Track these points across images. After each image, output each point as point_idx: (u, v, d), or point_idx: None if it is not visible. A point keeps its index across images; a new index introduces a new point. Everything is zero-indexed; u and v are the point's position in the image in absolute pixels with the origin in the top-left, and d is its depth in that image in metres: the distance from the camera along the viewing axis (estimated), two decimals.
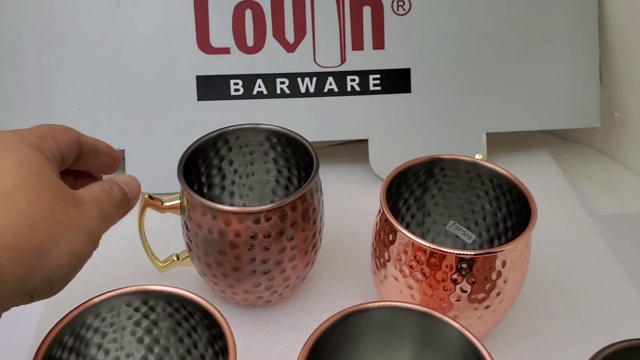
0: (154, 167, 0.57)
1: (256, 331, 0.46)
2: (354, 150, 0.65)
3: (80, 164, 0.35)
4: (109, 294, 0.35)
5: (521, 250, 0.39)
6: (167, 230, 0.51)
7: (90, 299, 0.35)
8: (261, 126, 0.49)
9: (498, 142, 0.64)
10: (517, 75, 0.61)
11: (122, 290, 0.35)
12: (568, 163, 0.66)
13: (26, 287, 0.27)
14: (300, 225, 0.43)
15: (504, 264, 0.39)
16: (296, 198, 0.42)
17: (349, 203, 0.59)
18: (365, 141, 0.60)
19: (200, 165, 0.48)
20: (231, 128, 0.48)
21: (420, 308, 0.35)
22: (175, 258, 0.48)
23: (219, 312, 0.34)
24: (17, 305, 0.28)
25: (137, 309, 0.37)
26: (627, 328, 0.46)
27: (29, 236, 0.27)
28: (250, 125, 0.49)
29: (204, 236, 0.42)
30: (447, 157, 0.46)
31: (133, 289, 0.36)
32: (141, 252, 0.47)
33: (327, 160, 0.62)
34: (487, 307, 0.40)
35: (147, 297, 0.36)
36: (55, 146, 0.32)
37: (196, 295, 0.35)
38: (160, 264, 0.47)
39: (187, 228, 0.44)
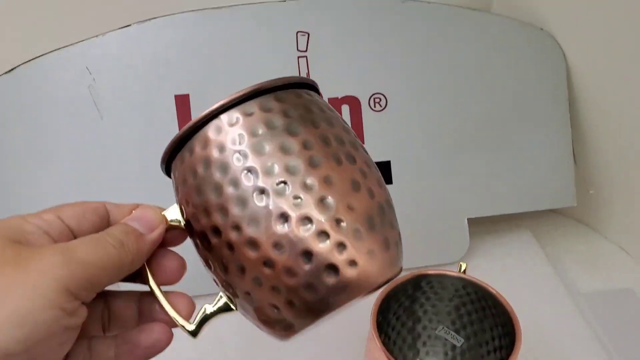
0: None
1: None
2: None
3: None
4: None
5: None
6: None
7: None
8: None
9: (480, 224, 0.66)
10: (494, 162, 0.63)
11: None
12: (549, 237, 0.68)
13: None
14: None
15: None
16: None
17: None
18: None
19: None
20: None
21: None
22: (209, 310, 0.34)
23: None
24: None
25: None
26: None
27: None
28: None
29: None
30: (432, 272, 0.48)
31: None
32: None
33: None
34: None
35: None
36: (54, 217, 0.28)
37: None
38: (193, 329, 0.33)
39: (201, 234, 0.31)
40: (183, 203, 0.32)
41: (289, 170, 0.29)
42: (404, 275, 0.47)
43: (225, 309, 0.33)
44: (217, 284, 0.33)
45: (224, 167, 0.30)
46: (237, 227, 0.29)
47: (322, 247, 0.29)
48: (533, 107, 0.63)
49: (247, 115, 0.31)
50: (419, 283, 0.48)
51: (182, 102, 0.59)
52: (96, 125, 0.58)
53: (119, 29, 0.58)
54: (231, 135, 0.30)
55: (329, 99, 0.60)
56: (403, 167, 0.62)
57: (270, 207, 0.29)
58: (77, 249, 0.27)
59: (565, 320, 0.57)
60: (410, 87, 0.61)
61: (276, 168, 0.29)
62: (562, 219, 0.71)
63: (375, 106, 0.61)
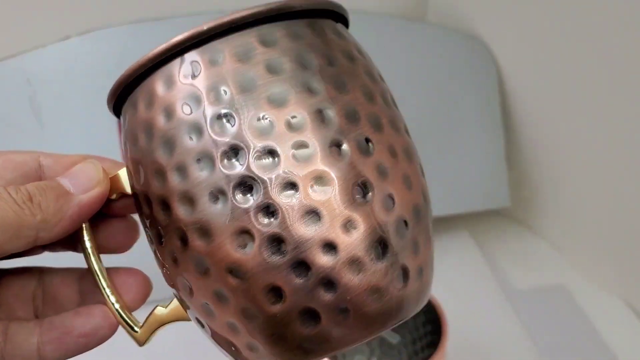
0: None
1: None
2: None
3: None
4: None
5: None
6: None
7: None
8: None
9: None
10: (431, 166, 0.64)
11: None
12: (485, 236, 0.71)
13: None
14: None
15: None
16: None
17: None
18: None
19: None
20: None
21: None
22: (160, 310, 0.26)
23: None
24: None
25: None
26: None
27: None
28: None
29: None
30: None
31: None
32: None
33: None
34: None
35: None
36: None
37: None
38: (139, 331, 0.26)
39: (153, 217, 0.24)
40: (130, 163, 0.25)
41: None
42: None
43: (176, 314, 0.26)
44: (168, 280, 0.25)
45: (198, 128, 0.22)
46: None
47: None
48: (467, 113, 0.65)
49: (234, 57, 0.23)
50: None
51: None
52: (36, 135, 0.59)
53: (60, 41, 0.59)
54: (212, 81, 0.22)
55: None
56: None
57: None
58: None
59: (498, 317, 0.60)
60: None
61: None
62: (499, 219, 0.74)
63: None
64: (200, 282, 0.23)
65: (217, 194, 0.22)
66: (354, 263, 0.22)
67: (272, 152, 0.21)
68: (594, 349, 0.58)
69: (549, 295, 0.64)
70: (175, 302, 0.26)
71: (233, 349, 0.24)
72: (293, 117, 0.22)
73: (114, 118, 0.64)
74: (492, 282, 0.64)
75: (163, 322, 0.26)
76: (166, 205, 0.23)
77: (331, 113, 0.22)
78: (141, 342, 0.26)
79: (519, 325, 0.59)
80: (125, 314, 0.26)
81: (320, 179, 0.22)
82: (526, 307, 0.62)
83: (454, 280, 0.63)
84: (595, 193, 0.64)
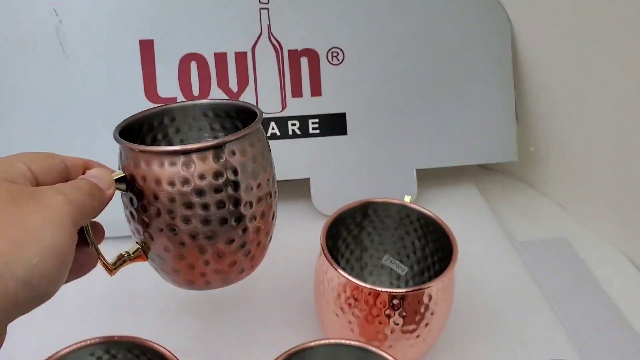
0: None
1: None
2: (296, 187, 0.69)
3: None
4: (73, 347, 0.38)
5: (445, 285, 0.45)
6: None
7: (56, 352, 0.38)
8: (197, 103, 0.47)
9: (428, 176, 0.70)
10: (442, 117, 0.67)
11: (86, 342, 0.38)
12: (491, 192, 0.73)
13: (5, 298, 0.27)
14: (261, 164, 0.42)
15: (430, 298, 0.44)
16: (252, 131, 0.40)
17: (293, 238, 0.63)
18: (307, 180, 0.65)
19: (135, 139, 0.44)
20: (162, 108, 0.46)
21: (359, 344, 0.39)
22: (126, 256, 0.41)
23: (174, 356, 0.38)
24: (12, 319, 0.28)
25: (99, 358, 0.40)
26: (546, 347, 0.52)
27: None
28: (186, 104, 0.47)
29: (166, 194, 0.38)
30: (379, 200, 0.51)
31: (97, 340, 0.39)
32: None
33: None
34: (417, 336, 0.45)
35: (109, 347, 0.39)
36: (24, 169, 0.32)
37: (154, 343, 0.39)
38: (112, 266, 0.40)
39: (140, 196, 0.39)
40: (139, 180, 0.39)
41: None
42: (352, 202, 0.51)
43: (139, 256, 0.42)
44: (137, 235, 0.41)
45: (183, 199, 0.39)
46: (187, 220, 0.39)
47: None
48: (479, 68, 0.67)
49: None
50: (366, 210, 0.51)
51: (146, 48, 0.62)
52: (61, 65, 0.60)
53: None
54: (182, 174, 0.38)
55: (288, 50, 0.64)
56: (357, 119, 0.65)
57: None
58: (67, 191, 0.32)
59: (504, 264, 0.61)
60: (367, 44, 0.65)
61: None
62: (504, 178, 0.76)
63: (333, 60, 0.64)
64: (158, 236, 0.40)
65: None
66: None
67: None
68: (595, 297, 0.59)
69: (552, 247, 0.65)
70: (138, 250, 0.42)
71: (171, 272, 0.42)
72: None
73: (136, 49, 0.66)
74: (498, 231, 0.65)
75: (126, 260, 0.41)
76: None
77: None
78: (112, 271, 0.41)
79: (525, 272, 0.60)
80: (105, 260, 0.39)
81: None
82: (530, 257, 0.63)
83: (460, 228, 0.64)
84: (599, 151, 0.65)
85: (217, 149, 0.38)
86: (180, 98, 0.62)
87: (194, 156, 0.37)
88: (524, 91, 0.70)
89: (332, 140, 0.65)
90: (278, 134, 0.64)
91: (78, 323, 0.53)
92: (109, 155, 0.60)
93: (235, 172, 0.39)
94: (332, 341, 0.39)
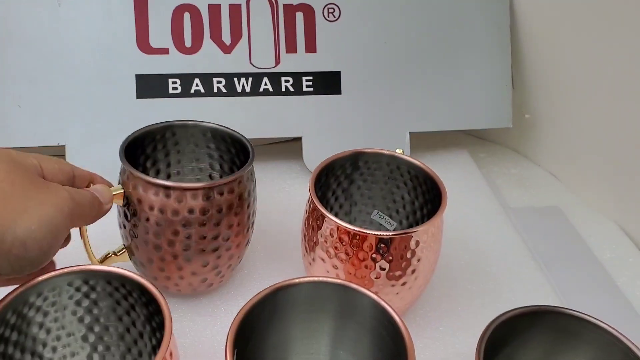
0: (95, 161, 0.59)
1: (193, 315, 0.49)
2: (289, 149, 0.68)
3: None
4: (52, 274, 0.37)
5: (433, 231, 0.44)
6: (99, 232, 0.51)
7: (32, 278, 0.37)
8: (199, 124, 0.51)
9: (422, 142, 0.69)
10: (437, 80, 0.66)
11: (64, 270, 0.38)
12: (485, 161, 0.72)
13: (2, 247, 0.33)
14: (246, 200, 0.46)
15: (417, 243, 0.43)
16: (243, 174, 0.45)
17: (284, 196, 0.63)
18: (299, 139, 0.64)
19: (138, 157, 0.50)
20: (165, 124, 0.50)
21: (340, 281, 0.38)
22: (112, 254, 0.48)
23: (156, 288, 0.37)
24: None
25: (78, 289, 0.39)
26: (533, 302, 0.52)
27: (1, 204, 0.33)
28: (189, 122, 0.51)
29: (155, 219, 0.44)
30: (369, 151, 0.50)
31: (75, 268, 0.38)
32: (78, 253, 0.46)
33: (263, 158, 0.66)
34: (404, 283, 0.44)
35: (87, 277, 0.38)
36: (37, 164, 0.37)
37: (134, 273, 0.38)
38: (98, 261, 0.48)
39: (133, 214, 0.45)
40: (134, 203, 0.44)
41: None
42: (342, 152, 0.50)
43: (123, 258, 0.48)
44: (124, 240, 0.48)
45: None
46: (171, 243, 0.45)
47: None
48: (477, 32, 0.66)
49: None
50: (356, 161, 0.51)
51: None
52: (55, 13, 0.59)
53: None
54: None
55: (284, 4, 0.63)
56: (352, 78, 0.64)
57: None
58: (72, 192, 0.37)
59: (496, 228, 0.61)
60: (364, 1, 0.64)
61: None
62: (498, 147, 0.75)
63: (329, 16, 0.64)
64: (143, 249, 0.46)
65: None
66: None
67: None
68: (585, 262, 0.59)
69: (544, 214, 0.65)
70: (123, 252, 0.48)
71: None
72: None
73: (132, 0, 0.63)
74: (490, 197, 0.65)
75: (114, 261, 0.48)
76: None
77: None
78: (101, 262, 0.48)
79: (517, 236, 0.60)
80: (94, 256, 0.47)
81: None
82: (521, 222, 0.63)
83: (452, 192, 0.64)
84: (593, 122, 0.65)
85: (208, 189, 0.43)
86: (172, 49, 0.61)
87: (187, 193, 0.43)
88: (521, 58, 0.69)
89: (326, 99, 0.64)
90: (271, 90, 0.63)
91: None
92: (98, 99, 0.59)
93: (220, 210, 0.44)
94: (315, 279, 0.39)
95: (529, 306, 0.38)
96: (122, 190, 0.45)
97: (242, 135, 0.50)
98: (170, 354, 0.35)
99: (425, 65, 0.66)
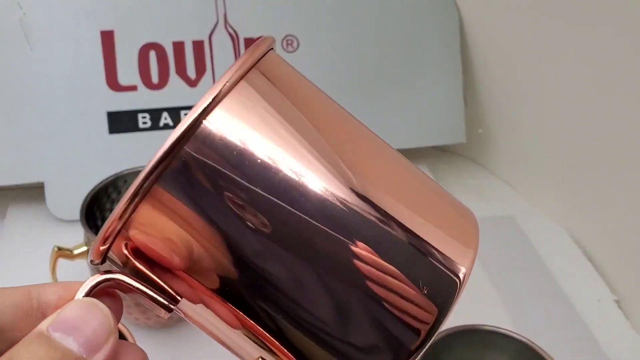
0: (73, 197, 0.63)
1: (163, 346, 0.53)
2: None
3: (5, 341, 0.20)
4: None
5: None
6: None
7: None
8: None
9: None
10: (393, 101, 0.70)
11: None
12: (445, 173, 0.76)
13: None
14: None
15: None
16: None
17: None
18: None
19: (95, 212, 0.54)
20: (119, 174, 0.55)
21: None
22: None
23: (124, 326, 0.41)
24: None
25: None
26: (483, 316, 0.56)
27: None
28: (138, 169, 0.55)
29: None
30: None
31: None
32: None
33: None
34: None
35: None
36: None
37: None
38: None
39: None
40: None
41: None
42: None
43: None
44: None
45: None
46: None
47: None
48: (428, 53, 0.70)
49: None
50: None
51: (107, 38, 0.65)
52: (26, 56, 0.63)
53: None
54: None
55: (244, 38, 0.66)
56: None
57: None
58: None
59: None
60: (321, 32, 0.68)
61: None
62: (458, 159, 0.79)
63: (287, 47, 0.67)
64: None
65: None
66: None
67: None
68: (536, 273, 0.63)
69: (499, 224, 0.69)
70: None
71: None
72: None
73: (98, 40, 0.67)
74: None
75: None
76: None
77: None
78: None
79: None
80: None
81: None
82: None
83: None
84: (545, 132, 0.69)
85: None
86: (141, 86, 0.65)
87: None
88: (472, 75, 0.73)
89: None
90: None
91: None
92: (73, 136, 0.63)
93: None
94: None
95: (453, 327, 0.42)
96: (86, 248, 0.50)
97: None
98: None
99: (381, 87, 0.69)
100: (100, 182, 0.54)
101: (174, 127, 0.65)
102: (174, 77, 0.65)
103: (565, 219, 0.68)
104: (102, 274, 0.21)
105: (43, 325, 0.18)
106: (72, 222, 0.60)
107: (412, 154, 0.77)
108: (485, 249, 0.64)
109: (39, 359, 0.17)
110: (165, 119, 0.65)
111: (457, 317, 0.55)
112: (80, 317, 0.19)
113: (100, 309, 0.19)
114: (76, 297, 0.20)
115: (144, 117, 0.65)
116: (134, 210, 0.20)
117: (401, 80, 0.70)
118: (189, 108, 0.65)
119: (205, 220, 0.20)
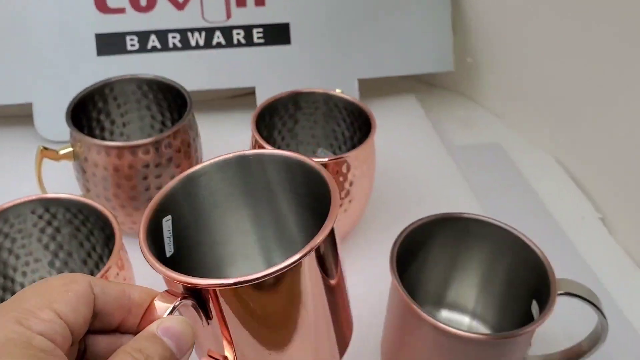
0: (61, 118, 0.63)
1: None
2: (241, 99, 0.73)
3: (103, 323, 0.26)
4: (15, 201, 0.42)
5: (364, 156, 0.48)
6: (62, 182, 0.55)
7: None
8: (135, 76, 0.55)
9: (372, 89, 0.73)
10: (383, 28, 0.70)
11: (26, 198, 0.42)
12: (434, 106, 0.77)
13: None
14: (185, 152, 0.50)
15: (349, 168, 0.48)
16: (179, 127, 0.49)
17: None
18: (253, 88, 0.68)
19: (82, 118, 0.54)
20: (106, 81, 0.55)
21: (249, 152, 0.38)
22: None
23: (108, 210, 0.42)
24: None
25: (40, 216, 0.43)
26: None
27: None
28: (125, 77, 0.55)
29: (101, 174, 0.49)
30: (305, 90, 0.55)
31: (34, 196, 0.42)
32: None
33: (219, 111, 0.70)
34: (344, 210, 0.49)
35: (48, 204, 0.43)
36: (53, 317, 0.23)
37: (90, 200, 0.42)
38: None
39: (83, 171, 0.50)
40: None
41: None
42: (281, 93, 0.54)
43: None
44: (84, 190, 0.51)
45: None
46: None
47: None
48: None
49: None
50: (297, 102, 0.55)
51: None
52: None
53: None
54: None
55: None
56: (301, 29, 0.68)
57: None
58: None
59: (437, 165, 0.66)
60: None
61: None
62: (445, 92, 0.79)
63: None
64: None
65: None
66: None
67: None
68: (522, 193, 0.64)
69: (485, 151, 0.70)
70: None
71: None
72: None
73: None
74: (434, 138, 0.69)
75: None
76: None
77: None
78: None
79: (458, 174, 0.64)
80: None
81: None
82: (463, 159, 0.68)
83: (397, 134, 0.69)
84: (533, 62, 0.69)
85: (148, 145, 0.47)
86: (129, 9, 0.65)
87: (125, 151, 0.47)
88: (461, 4, 0.73)
89: (276, 50, 0.68)
90: (223, 43, 0.67)
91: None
92: (62, 58, 0.63)
93: (158, 164, 0.48)
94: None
95: (435, 214, 0.43)
96: (72, 149, 0.50)
97: (179, 86, 0.54)
98: (122, 266, 0.40)
99: (371, 13, 0.69)
100: (88, 87, 0.54)
101: (161, 49, 0.66)
102: (162, 0, 0.65)
103: (551, 146, 0.69)
104: (181, 298, 0.27)
105: (153, 328, 0.25)
106: (60, 142, 0.60)
107: (401, 87, 0.77)
108: (471, 174, 0.65)
109: (155, 351, 0.24)
110: (153, 41, 0.65)
111: None
112: (179, 329, 0.25)
113: (189, 326, 0.26)
114: (167, 312, 0.26)
115: (132, 40, 0.65)
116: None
117: (391, 6, 0.70)
118: (177, 31, 0.66)
119: None
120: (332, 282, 0.31)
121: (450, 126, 0.74)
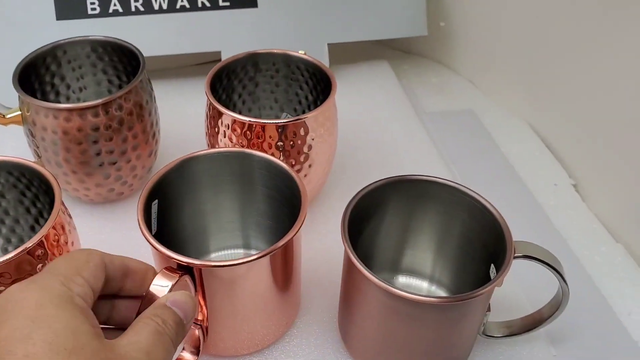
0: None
1: (106, 220, 0.52)
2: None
3: (109, 288, 0.32)
4: None
5: (323, 119, 0.47)
6: (19, 149, 0.54)
7: None
8: (87, 38, 0.53)
9: (344, 55, 0.71)
10: None
11: None
12: (407, 72, 0.75)
13: None
14: (138, 115, 0.49)
15: (306, 130, 0.46)
16: (131, 88, 0.47)
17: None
18: (218, 52, 0.66)
19: (34, 82, 0.52)
20: (56, 43, 0.52)
21: (238, 150, 0.43)
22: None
23: (50, 174, 0.40)
24: None
25: None
26: None
27: None
28: (77, 39, 0.53)
29: (50, 138, 0.46)
30: (263, 51, 0.53)
31: None
32: None
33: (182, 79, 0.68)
34: (299, 170, 0.47)
35: None
36: (83, 282, 0.29)
37: (32, 162, 0.41)
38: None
39: (32, 135, 0.48)
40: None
41: None
42: (238, 54, 0.52)
43: None
44: (36, 157, 0.49)
45: None
46: None
47: None
48: None
49: None
50: (257, 63, 0.53)
51: None
52: None
53: None
54: None
55: None
56: None
57: None
58: (154, 354, 0.28)
59: (408, 131, 0.64)
60: None
61: None
62: (420, 59, 0.77)
63: None
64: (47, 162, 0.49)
65: None
66: None
67: None
68: (494, 159, 0.62)
69: (458, 117, 0.68)
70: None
71: None
72: None
73: None
74: (406, 104, 0.68)
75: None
76: None
77: None
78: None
79: (427, 140, 0.63)
80: None
81: None
82: (435, 125, 0.66)
83: (370, 101, 0.67)
84: (506, 28, 0.67)
85: (98, 107, 0.46)
86: None
87: (74, 113, 0.45)
88: None
89: (243, 13, 0.66)
90: (187, 6, 0.64)
91: None
92: (19, 22, 0.60)
93: (109, 127, 0.47)
94: (217, 150, 0.43)
95: (387, 177, 0.41)
96: (20, 112, 0.48)
97: (132, 45, 0.52)
98: (62, 228, 0.38)
99: None
100: (37, 49, 0.51)
101: (123, 13, 0.63)
102: None
103: (525, 112, 0.67)
104: (180, 275, 0.34)
105: (163, 300, 0.31)
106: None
107: (375, 54, 0.75)
108: (444, 140, 0.64)
109: (168, 316, 0.30)
110: (115, 5, 0.63)
111: None
112: (184, 301, 0.32)
113: (191, 298, 0.32)
114: (168, 288, 0.33)
115: (92, 3, 0.63)
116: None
117: None
118: None
119: None
120: (289, 272, 0.40)
121: (424, 92, 0.72)
